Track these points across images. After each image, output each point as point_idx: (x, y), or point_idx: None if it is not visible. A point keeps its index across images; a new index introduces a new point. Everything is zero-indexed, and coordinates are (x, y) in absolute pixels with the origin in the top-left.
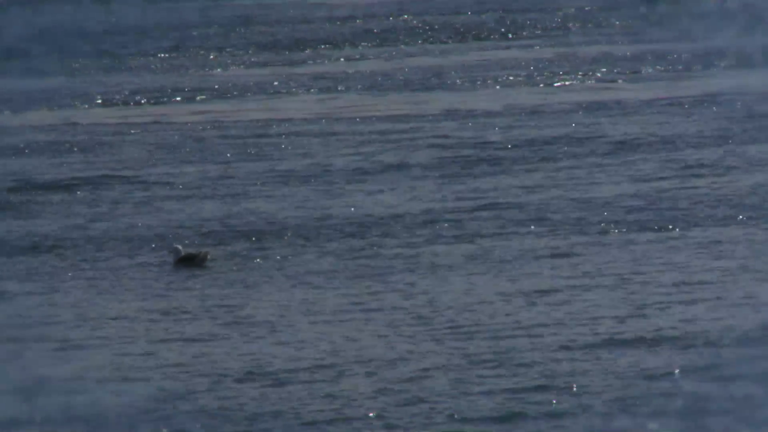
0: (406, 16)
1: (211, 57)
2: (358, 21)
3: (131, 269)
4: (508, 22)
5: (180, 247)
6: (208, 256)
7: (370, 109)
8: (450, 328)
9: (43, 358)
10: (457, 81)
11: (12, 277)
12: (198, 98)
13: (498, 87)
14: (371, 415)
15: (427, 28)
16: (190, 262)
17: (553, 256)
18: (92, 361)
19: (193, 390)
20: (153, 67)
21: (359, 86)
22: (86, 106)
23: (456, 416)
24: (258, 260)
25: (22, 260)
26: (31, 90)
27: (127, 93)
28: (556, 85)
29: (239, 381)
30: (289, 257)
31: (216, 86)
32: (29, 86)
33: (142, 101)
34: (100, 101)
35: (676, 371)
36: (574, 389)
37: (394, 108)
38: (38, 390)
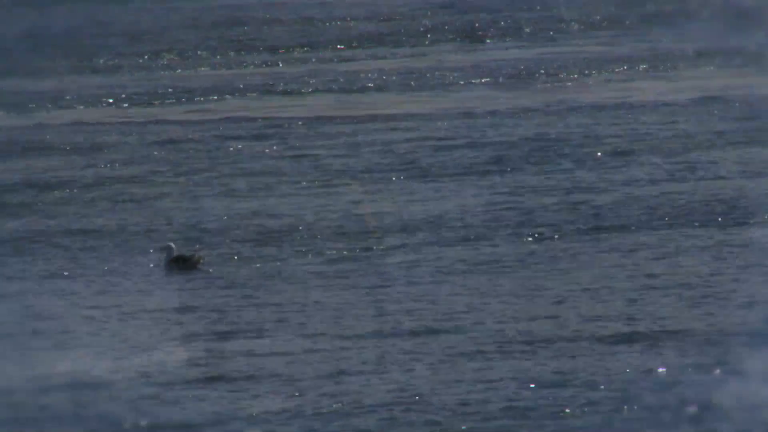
0: (399, 17)
1: (210, 57)
2: (352, 22)
3: (121, 269)
4: (502, 23)
5: (173, 245)
6: (202, 260)
7: (369, 108)
8: (452, 327)
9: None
10: (457, 81)
11: (6, 276)
12: (196, 98)
13: (495, 88)
14: (377, 412)
15: (423, 30)
16: (182, 263)
17: (552, 259)
18: (82, 362)
19: (191, 391)
20: (152, 66)
21: (358, 86)
22: (84, 106)
23: (462, 413)
24: (254, 263)
25: (18, 260)
26: (25, 90)
27: (125, 93)
28: (555, 84)
29: (240, 380)
30: (287, 259)
31: (215, 86)
32: (22, 87)
33: (141, 101)
34: (96, 102)
35: (679, 368)
36: (581, 386)
37: (394, 107)
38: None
